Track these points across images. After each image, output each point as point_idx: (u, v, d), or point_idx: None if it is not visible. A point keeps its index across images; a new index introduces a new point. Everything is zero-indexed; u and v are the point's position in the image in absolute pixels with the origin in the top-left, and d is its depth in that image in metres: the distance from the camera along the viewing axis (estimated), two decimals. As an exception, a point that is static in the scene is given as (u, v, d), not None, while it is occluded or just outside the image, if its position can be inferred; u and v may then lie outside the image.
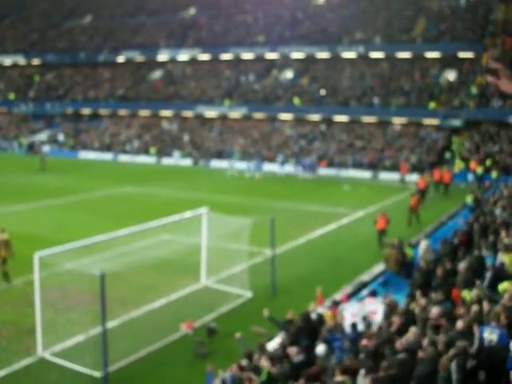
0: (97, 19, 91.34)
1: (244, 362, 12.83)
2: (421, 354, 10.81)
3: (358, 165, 53.65)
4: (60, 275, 20.09)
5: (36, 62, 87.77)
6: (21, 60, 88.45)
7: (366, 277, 21.39)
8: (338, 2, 72.85)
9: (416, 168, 49.31)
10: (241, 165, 55.44)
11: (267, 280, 21.06)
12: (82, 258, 18.82)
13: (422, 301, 14.32)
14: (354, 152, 55.87)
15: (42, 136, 76.22)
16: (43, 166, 55.44)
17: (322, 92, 46.38)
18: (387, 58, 63.63)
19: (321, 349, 12.61)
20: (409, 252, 21.40)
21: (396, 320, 13.26)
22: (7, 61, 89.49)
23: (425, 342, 11.33)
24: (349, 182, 48.35)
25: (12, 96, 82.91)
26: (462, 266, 16.76)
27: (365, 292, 18.99)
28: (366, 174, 52.09)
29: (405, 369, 10.71)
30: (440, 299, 14.44)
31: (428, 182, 39.75)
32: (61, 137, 73.96)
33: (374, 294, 17.30)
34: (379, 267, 22.34)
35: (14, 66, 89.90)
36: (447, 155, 51.69)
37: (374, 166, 52.52)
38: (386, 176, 50.74)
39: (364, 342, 12.38)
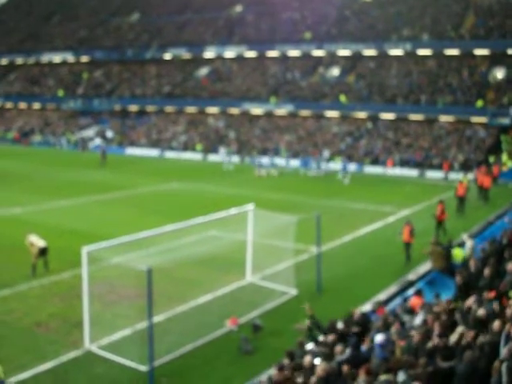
0: (144, 17, 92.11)
1: (286, 361, 12.77)
2: (468, 353, 10.66)
3: (404, 163, 53.17)
4: (107, 270, 20.32)
5: (84, 59, 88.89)
6: (69, 57, 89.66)
7: (411, 276, 21.17)
8: (386, -2, 72.32)
9: (463, 166, 48.75)
10: (281, 162, 55.50)
11: (313, 277, 20.97)
12: (128, 252, 18.99)
13: (469, 301, 14.11)
14: (400, 150, 55.38)
15: (90, 132, 77.16)
16: (103, 162, 56.62)
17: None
18: (435, 55, 62.91)
19: (379, 338, 12.44)
20: (459, 252, 21.05)
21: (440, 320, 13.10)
22: (56, 58, 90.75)
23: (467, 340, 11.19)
24: (395, 181, 48.03)
25: (61, 93, 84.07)
26: (510, 266, 16.47)
27: (410, 292, 18.79)
28: (412, 173, 51.63)
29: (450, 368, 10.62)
30: (487, 299, 14.21)
31: (468, 187, 36.01)
32: (109, 133, 74.83)
33: (419, 293, 17.07)
34: (425, 266, 22.10)
35: (63, 63, 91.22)
36: (492, 156, 50.72)
37: (420, 165, 52.02)
38: (433, 174, 50.21)
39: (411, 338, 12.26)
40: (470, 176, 41.80)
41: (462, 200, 34.71)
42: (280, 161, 56.74)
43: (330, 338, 13.29)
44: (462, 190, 34.78)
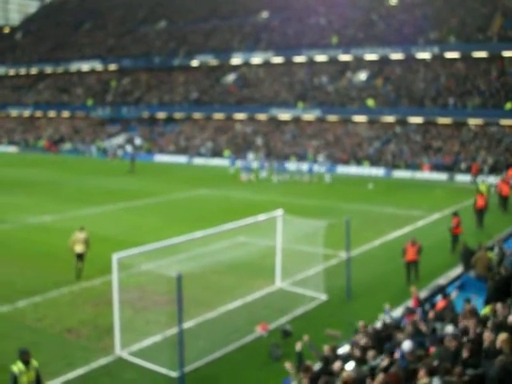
0: (171, 24, 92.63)
1: (316, 367, 12.72)
2: (500, 358, 10.54)
3: (433, 167, 52.88)
4: (137, 276, 20.45)
5: (112, 67, 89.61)
6: (98, 66, 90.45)
7: (442, 280, 20.98)
8: (412, 2, 71.90)
9: (493, 169, 48.37)
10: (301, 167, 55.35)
11: (342, 283, 20.88)
12: (158, 259, 19.08)
13: (499, 306, 13.95)
14: (429, 153, 55.07)
15: (119, 140, 77.70)
16: (132, 169, 57.04)
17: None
18: (463, 57, 62.54)
19: (407, 345, 12.36)
20: (491, 256, 20.82)
21: (472, 325, 12.96)
22: (85, 67, 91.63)
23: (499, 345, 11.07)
24: (424, 185, 47.82)
25: (90, 101, 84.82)
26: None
27: (440, 297, 18.60)
28: (442, 176, 51.32)
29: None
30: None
31: (487, 197, 33.28)
32: (138, 140, 75.25)
33: (446, 296, 16.89)
34: (456, 271, 21.91)
35: (92, 71, 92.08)
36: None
37: (450, 168, 51.69)
38: (462, 178, 49.88)
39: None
40: (493, 180, 40.37)
41: (481, 212, 31.52)
42: (307, 166, 56.66)
43: (363, 341, 13.23)
44: (481, 202, 31.56)
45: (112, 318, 16.37)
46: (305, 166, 54.11)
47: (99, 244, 24.20)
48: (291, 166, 56.29)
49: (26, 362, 11.99)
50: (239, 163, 55.91)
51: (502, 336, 11.20)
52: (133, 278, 20.17)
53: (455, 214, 26.96)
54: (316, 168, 53.40)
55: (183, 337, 14.64)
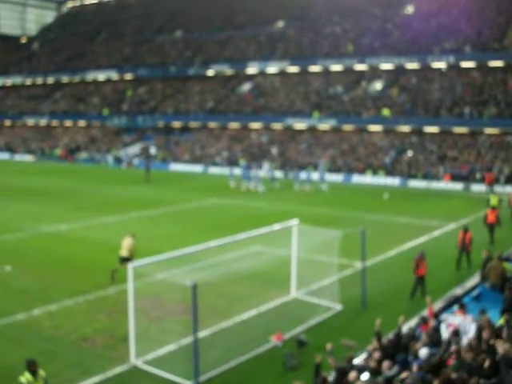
0: (187, 34, 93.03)
1: (331, 377, 12.69)
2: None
3: (449, 176, 52.72)
4: (153, 285, 20.47)
5: (128, 76, 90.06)
6: (114, 75, 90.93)
7: (458, 290, 20.86)
8: (428, 11, 71.77)
9: (509, 179, 48.18)
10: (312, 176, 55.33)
11: (357, 293, 20.82)
12: (173, 268, 19.10)
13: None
14: (445, 163, 54.91)
15: (135, 149, 78.01)
16: (147, 178, 57.37)
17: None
18: (478, 67, 62.34)
19: (424, 352, 12.30)
20: (507, 266, 20.65)
21: (486, 335, 12.90)
22: (101, 76, 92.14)
23: None
24: (440, 195, 47.72)
25: (106, 110, 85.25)
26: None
27: (456, 307, 18.48)
28: (457, 186, 51.16)
29: None
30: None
31: (498, 212, 31.64)
32: (153, 149, 75.51)
33: (462, 307, 16.77)
34: (472, 281, 21.77)
35: (108, 81, 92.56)
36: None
37: (465, 178, 51.53)
38: (478, 188, 49.70)
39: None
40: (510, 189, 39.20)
41: (492, 228, 30.20)
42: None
43: (376, 354, 13.17)
44: (492, 217, 30.25)
45: (127, 326, 16.40)
46: (303, 175, 53.12)
47: (115, 253, 24.26)
48: (290, 175, 56.26)
49: (34, 373, 11.89)
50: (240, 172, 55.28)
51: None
52: (148, 287, 20.20)
53: (465, 228, 25.94)
54: (314, 177, 52.93)
55: (198, 346, 14.64)
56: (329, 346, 13.81)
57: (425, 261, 21.80)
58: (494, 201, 34.62)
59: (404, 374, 11.54)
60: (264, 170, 59.26)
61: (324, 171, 54.03)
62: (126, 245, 23.73)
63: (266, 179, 54.10)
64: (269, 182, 53.61)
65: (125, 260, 22.92)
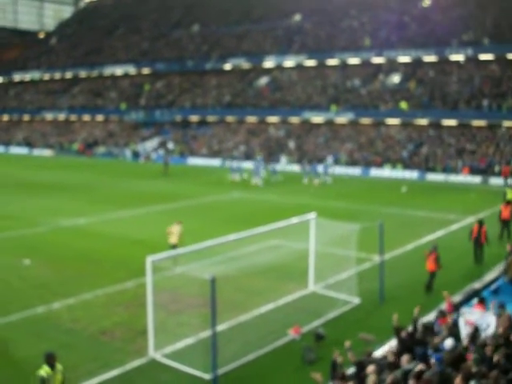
0: (204, 28, 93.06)
1: (350, 371, 12.66)
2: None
3: (468, 169, 52.45)
4: (171, 279, 20.54)
5: (146, 71, 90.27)
6: (131, 69, 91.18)
7: (477, 285, 20.75)
8: (445, 3, 71.34)
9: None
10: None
11: (375, 286, 20.77)
12: (192, 262, 19.14)
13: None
14: (463, 156, 54.60)
15: (153, 143, 78.19)
16: (165, 172, 57.58)
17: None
18: (497, 59, 61.89)
19: (449, 343, 12.25)
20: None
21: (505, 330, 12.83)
22: (119, 71, 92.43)
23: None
24: (458, 188, 47.47)
25: (124, 106, 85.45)
26: None
27: (475, 301, 18.39)
28: (476, 179, 50.88)
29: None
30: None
31: None
32: (171, 144, 75.65)
33: (482, 301, 16.67)
34: (491, 275, 21.67)
35: (125, 75, 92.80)
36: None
37: (484, 171, 51.23)
38: (497, 181, 49.40)
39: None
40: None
41: (505, 223, 29.62)
42: (340, 169, 56.71)
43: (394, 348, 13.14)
44: (506, 213, 29.62)
45: (145, 320, 16.45)
46: (320, 168, 53.12)
47: (133, 247, 24.40)
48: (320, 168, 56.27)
49: (52, 366, 11.97)
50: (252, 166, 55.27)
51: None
52: (167, 281, 20.26)
53: (481, 221, 25.66)
54: (320, 169, 52.86)
55: (216, 339, 14.67)
56: (347, 343, 13.76)
57: (434, 255, 21.56)
58: (510, 195, 34.30)
59: (419, 367, 11.49)
60: (282, 164, 59.20)
61: (330, 166, 53.96)
62: (174, 231, 24.37)
63: (270, 173, 54.03)
64: (271, 175, 53.54)
65: (174, 247, 23.23)
